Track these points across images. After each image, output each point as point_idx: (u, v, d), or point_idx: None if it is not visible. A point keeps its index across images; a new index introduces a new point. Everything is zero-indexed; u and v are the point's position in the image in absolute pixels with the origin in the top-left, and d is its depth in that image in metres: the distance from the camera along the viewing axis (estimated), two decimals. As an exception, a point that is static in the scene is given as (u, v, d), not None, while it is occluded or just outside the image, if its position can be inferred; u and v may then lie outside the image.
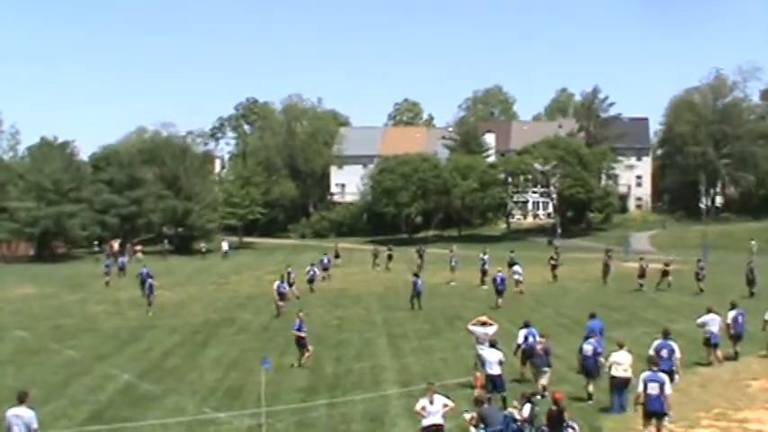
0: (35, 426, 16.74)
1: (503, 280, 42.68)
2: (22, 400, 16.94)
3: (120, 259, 68.91)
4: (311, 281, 50.98)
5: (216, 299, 49.47)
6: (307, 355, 28.89)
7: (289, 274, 47.93)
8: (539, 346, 23.61)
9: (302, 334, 28.95)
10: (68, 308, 47.21)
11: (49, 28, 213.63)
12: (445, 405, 18.06)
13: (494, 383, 22.13)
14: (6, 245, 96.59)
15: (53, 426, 21.06)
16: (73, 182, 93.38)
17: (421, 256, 62.76)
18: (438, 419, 17.84)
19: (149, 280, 44.62)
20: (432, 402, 17.89)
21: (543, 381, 23.17)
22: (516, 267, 48.59)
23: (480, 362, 23.69)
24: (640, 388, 18.66)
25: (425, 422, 17.86)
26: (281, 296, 41.16)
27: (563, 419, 17.62)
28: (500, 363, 22.35)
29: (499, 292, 42.25)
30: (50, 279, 65.01)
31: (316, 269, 52.82)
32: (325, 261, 59.44)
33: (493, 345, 23.10)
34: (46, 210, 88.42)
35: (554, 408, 17.67)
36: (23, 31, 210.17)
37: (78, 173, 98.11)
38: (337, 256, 67.06)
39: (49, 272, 73.32)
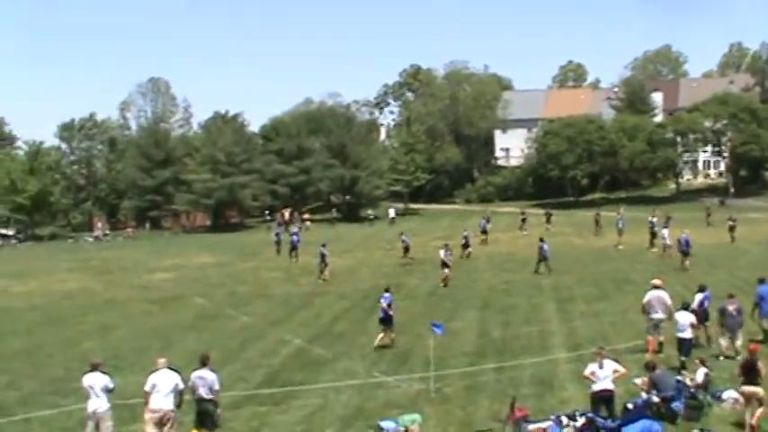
0: (217, 387, 17.57)
1: (687, 242, 41.56)
2: (204, 362, 17.79)
3: (293, 228, 70.39)
4: (466, 246, 50.78)
5: (383, 264, 50.23)
6: (392, 336, 27.10)
7: (466, 237, 50.43)
8: (731, 307, 22.89)
9: (390, 311, 27.04)
10: (242, 275, 48.98)
11: (216, 4, 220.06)
12: (615, 370, 17.78)
13: (683, 346, 21.66)
14: (185, 215, 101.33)
15: (232, 388, 21.92)
16: (244, 153, 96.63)
17: (597, 222, 61.49)
18: (608, 384, 17.59)
19: (322, 248, 45.44)
20: (601, 367, 17.65)
21: (738, 342, 22.55)
22: (664, 231, 47.38)
23: (653, 325, 23.26)
24: None
25: (595, 387, 17.65)
26: (445, 264, 40.69)
27: (757, 370, 17.20)
28: (692, 325, 21.88)
29: (684, 254, 41.22)
30: (225, 248, 67.58)
31: (470, 234, 52.63)
32: (483, 224, 59.77)
33: (685, 307, 22.59)
34: (220, 181, 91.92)
35: (749, 358, 17.48)
36: (192, 7, 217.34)
37: (249, 144, 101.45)
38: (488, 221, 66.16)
39: (224, 241, 76.21)
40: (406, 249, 50.30)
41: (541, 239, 44.25)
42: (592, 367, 17.80)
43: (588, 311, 31.66)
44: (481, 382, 22.18)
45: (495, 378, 22.53)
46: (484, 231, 58.87)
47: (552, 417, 17.91)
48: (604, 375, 17.58)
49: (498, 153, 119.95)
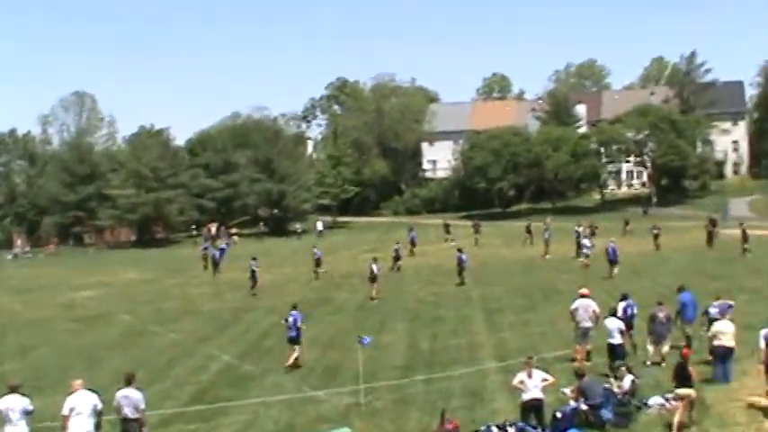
0: (143, 406, 17.21)
1: (614, 251, 42.27)
2: (129, 381, 17.41)
3: (221, 244, 69.99)
4: (397, 258, 50.82)
5: (312, 279, 49.97)
6: (300, 353, 26.10)
7: (396, 250, 50.51)
8: (660, 314, 23.22)
9: (299, 329, 26.09)
10: (169, 291, 48.35)
11: (144, 18, 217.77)
12: (544, 379, 17.94)
13: (615, 352, 21.90)
14: (109, 231, 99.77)
15: (159, 406, 21.58)
16: (170, 168, 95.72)
17: (529, 232, 61.87)
18: (538, 394, 17.73)
19: (252, 263, 45.15)
20: (530, 377, 17.79)
21: (665, 348, 22.91)
22: (585, 241, 48.21)
23: (581, 334, 23.52)
24: (762, 344, 18.94)
25: (525, 396, 17.77)
26: (374, 278, 40.28)
27: (688, 374, 17.61)
28: (620, 332, 22.16)
29: (612, 263, 41.89)
30: (151, 264, 66.68)
31: (401, 247, 52.78)
32: (413, 236, 60.27)
33: (613, 314, 22.90)
34: (145, 196, 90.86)
35: (681, 362, 17.90)
36: (118, 21, 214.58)
37: (175, 159, 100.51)
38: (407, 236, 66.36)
39: (150, 257, 75.21)
40: (318, 263, 50.10)
41: (459, 250, 44.73)
42: (521, 377, 17.92)
43: (517, 322, 31.86)
44: (411, 394, 22.15)
45: (424, 390, 22.52)
46: (413, 243, 59.27)
47: (483, 428, 17.98)
48: (533, 385, 17.70)
49: (425, 165, 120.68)
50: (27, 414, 16.83)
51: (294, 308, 26.59)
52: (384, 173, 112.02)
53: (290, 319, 26.04)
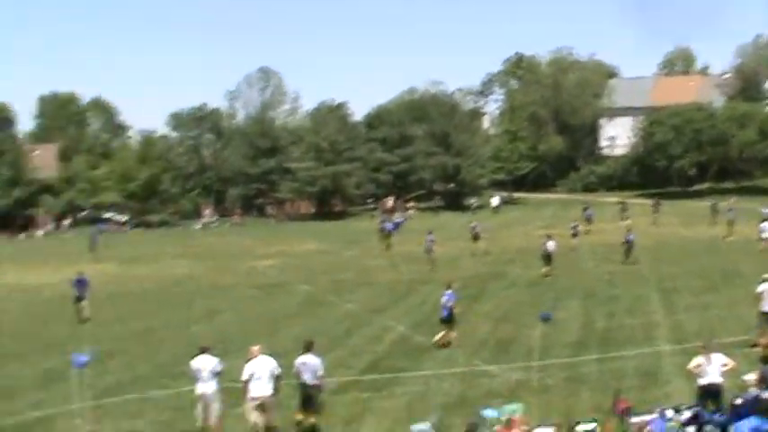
0: (321, 372, 17.97)
1: None
2: (308, 348, 18.20)
3: (397, 218, 71.46)
4: (574, 235, 50.13)
5: (486, 253, 50.12)
6: (453, 335, 25.74)
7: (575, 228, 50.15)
8: None
9: (453, 309, 25.81)
10: (346, 263, 49.59)
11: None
12: (724, 364, 17.43)
13: None
14: (290, 203, 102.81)
15: (335, 373, 22.26)
16: (348, 142, 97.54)
17: (715, 211, 59.91)
18: (716, 378, 17.25)
19: (428, 237, 45.79)
20: (709, 360, 17.37)
21: None
22: (764, 224, 45.82)
23: (766, 319, 22.74)
24: None
25: (702, 381, 17.34)
26: (549, 256, 39.83)
27: None
28: None
29: None
30: (329, 235, 68.44)
31: (578, 224, 52.14)
32: (589, 214, 59.47)
33: None
34: (324, 169, 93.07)
35: None
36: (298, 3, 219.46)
37: (353, 133, 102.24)
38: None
39: (328, 229, 77.14)
40: (476, 238, 50.26)
41: (628, 230, 44.05)
42: (698, 360, 17.51)
43: (695, 304, 31.07)
44: (584, 373, 22.06)
45: (597, 369, 22.37)
46: (588, 221, 58.61)
47: (657, 410, 17.69)
48: (712, 369, 17.27)
49: (603, 142, 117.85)
50: (216, 374, 17.88)
51: (448, 287, 26.36)
52: (560, 149, 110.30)
53: (443, 299, 25.90)
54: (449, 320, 25.72)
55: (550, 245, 39.85)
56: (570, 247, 47.97)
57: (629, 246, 42.61)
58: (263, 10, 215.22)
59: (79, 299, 33.28)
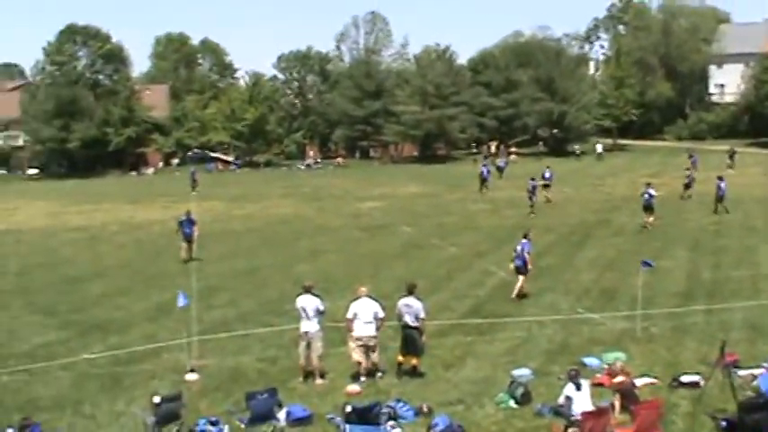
0: (423, 315, 18.13)
1: None
2: (411, 291, 18.36)
3: (499, 162, 71.18)
4: (688, 186, 48.87)
5: (591, 200, 49.59)
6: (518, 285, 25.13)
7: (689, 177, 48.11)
8: None
9: (527, 259, 25.14)
10: (449, 206, 49.60)
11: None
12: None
13: None
14: (394, 146, 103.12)
15: (437, 317, 22.42)
16: (453, 86, 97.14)
17: None
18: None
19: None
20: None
21: None
22: None
23: None
24: None
25: (812, 335, 17.00)
26: (649, 207, 38.22)
27: None
28: None
29: None
30: (433, 179, 68.46)
31: (692, 174, 50.84)
32: (695, 160, 58.10)
33: None
34: (429, 113, 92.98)
35: None
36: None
37: (458, 77, 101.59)
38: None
39: (432, 172, 77.15)
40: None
41: (719, 177, 42.72)
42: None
43: (807, 256, 30.23)
44: (689, 323, 21.73)
45: (703, 320, 22.02)
46: (694, 167, 56.91)
47: (765, 364, 17.37)
48: (823, 323, 16.86)
49: (713, 89, 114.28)
50: (320, 313, 18.19)
51: (525, 236, 25.81)
52: (668, 95, 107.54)
53: (518, 248, 25.34)
54: (522, 270, 25.14)
55: (650, 193, 38.36)
56: (680, 195, 46.99)
57: (719, 194, 41.71)
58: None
59: (188, 239, 33.63)
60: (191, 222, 33.75)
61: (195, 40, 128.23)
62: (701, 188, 51.29)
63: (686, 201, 46.60)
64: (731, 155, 65.33)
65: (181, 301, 19.76)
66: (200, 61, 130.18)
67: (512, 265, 25.46)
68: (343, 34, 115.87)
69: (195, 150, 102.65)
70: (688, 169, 50.95)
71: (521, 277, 25.13)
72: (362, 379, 17.80)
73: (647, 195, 38.20)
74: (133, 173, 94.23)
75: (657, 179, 54.73)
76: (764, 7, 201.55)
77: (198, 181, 66.25)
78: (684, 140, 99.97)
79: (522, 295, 24.98)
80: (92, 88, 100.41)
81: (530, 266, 25.16)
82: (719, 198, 41.76)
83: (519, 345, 20.45)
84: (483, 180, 55.76)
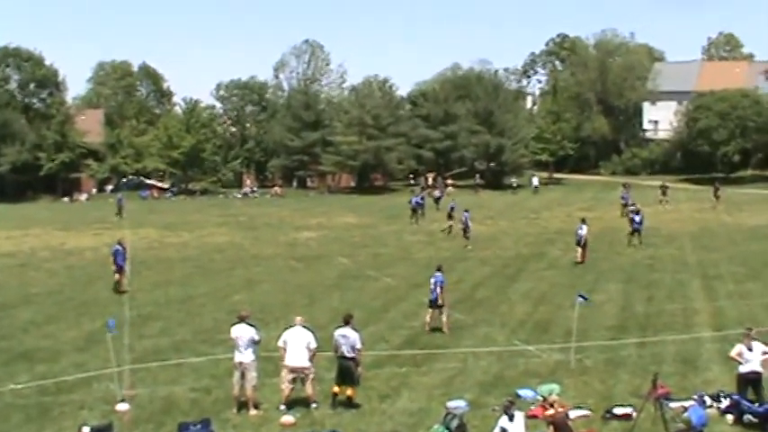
0: (359, 345, 18.07)
1: None
2: (347, 321, 18.31)
3: (436, 193, 71.70)
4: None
5: (526, 233, 49.99)
6: (443, 318, 25.05)
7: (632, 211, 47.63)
8: None
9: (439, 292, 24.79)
10: (385, 237, 49.62)
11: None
12: (765, 353, 17.30)
13: None
14: (331, 176, 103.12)
15: (373, 347, 22.32)
16: (391, 117, 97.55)
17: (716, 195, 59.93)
18: (757, 367, 17.13)
19: (465, 214, 45.54)
20: (750, 349, 17.22)
21: None
22: None
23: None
24: None
25: (742, 369, 17.23)
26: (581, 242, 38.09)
27: None
28: None
29: None
30: (369, 210, 68.51)
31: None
32: (626, 197, 58.71)
33: None
34: (367, 144, 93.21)
35: None
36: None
37: (396, 109, 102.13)
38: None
39: (369, 203, 77.24)
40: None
41: (635, 211, 44.12)
42: (739, 348, 17.38)
43: (736, 291, 30.81)
44: (622, 356, 21.96)
45: (636, 353, 22.27)
46: (625, 204, 57.57)
47: (695, 396, 17.52)
48: (753, 357, 17.14)
49: (647, 125, 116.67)
50: (254, 343, 18.02)
51: (438, 269, 25.48)
52: (604, 131, 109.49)
53: (432, 282, 25.04)
54: (435, 304, 24.91)
55: (581, 231, 38.27)
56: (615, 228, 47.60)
57: (634, 228, 42.88)
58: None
59: (118, 269, 32.51)
60: (120, 252, 32.65)
61: (136, 67, 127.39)
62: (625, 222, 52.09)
63: (617, 233, 46.98)
64: (663, 190, 66.50)
65: (110, 327, 19.45)
66: (138, 87, 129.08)
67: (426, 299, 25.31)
68: (282, 63, 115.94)
69: (130, 177, 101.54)
70: (633, 204, 51.29)
71: (437, 311, 24.88)
72: (282, 407, 17.74)
73: (579, 231, 38.46)
74: (65, 199, 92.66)
75: (591, 213, 55.63)
76: (697, 47, 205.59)
77: (124, 207, 65.72)
78: (619, 175, 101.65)
79: (435, 328, 24.78)
80: (24, 111, 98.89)
81: (441, 300, 24.75)
82: (634, 231, 42.75)
83: (454, 376, 20.45)
84: (413, 210, 56.25)
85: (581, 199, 74.77)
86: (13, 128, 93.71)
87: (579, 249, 38.19)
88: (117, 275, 32.59)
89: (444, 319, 25.01)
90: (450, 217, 49.93)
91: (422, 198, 61.71)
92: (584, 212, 55.08)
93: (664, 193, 65.94)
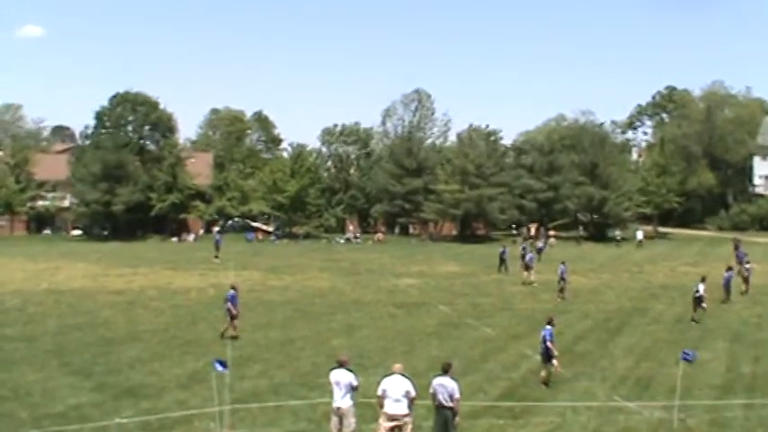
0: (457, 395, 17.98)
1: None
2: (446, 370, 18.26)
3: (538, 244, 71.21)
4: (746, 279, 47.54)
5: (629, 287, 49.17)
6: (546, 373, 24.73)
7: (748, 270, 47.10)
8: None
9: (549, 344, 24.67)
10: (486, 287, 49.39)
11: (474, 21, 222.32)
12: None
13: None
14: (433, 224, 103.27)
15: (470, 398, 22.19)
16: (495, 166, 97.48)
17: None
18: None
19: (561, 266, 45.04)
20: None
21: None
22: None
23: None
24: None
25: None
26: (701, 299, 36.96)
27: None
28: None
29: None
30: (471, 258, 68.36)
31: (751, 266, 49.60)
32: (740, 255, 56.98)
33: None
34: (469, 192, 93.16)
35: None
36: (451, 22, 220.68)
37: (500, 158, 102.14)
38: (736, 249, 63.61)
39: (470, 251, 77.05)
40: (527, 267, 50.76)
41: (729, 268, 43.19)
42: None
43: None
44: (727, 417, 21.36)
45: (743, 415, 21.63)
46: (740, 262, 55.95)
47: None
48: None
49: (757, 180, 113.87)
50: (353, 389, 18.13)
51: (549, 323, 25.23)
52: (711, 185, 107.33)
53: (541, 335, 25.02)
54: (545, 357, 24.68)
55: (701, 288, 37.20)
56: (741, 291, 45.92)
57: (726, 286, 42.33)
58: (418, 33, 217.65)
59: (233, 315, 31.88)
60: (234, 298, 32.02)
61: (247, 112, 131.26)
62: (738, 280, 50.78)
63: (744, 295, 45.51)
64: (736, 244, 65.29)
65: (218, 368, 19.83)
66: (248, 132, 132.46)
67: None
68: (390, 110, 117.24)
69: (235, 219, 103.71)
70: (748, 262, 49.72)
71: (548, 364, 24.66)
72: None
73: (699, 288, 37.25)
74: (174, 239, 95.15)
75: (697, 268, 54.42)
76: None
77: (221, 247, 67.02)
78: (725, 231, 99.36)
79: (545, 382, 24.47)
80: (138, 153, 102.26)
81: (553, 353, 24.57)
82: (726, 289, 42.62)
83: (552, 430, 20.22)
84: (527, 266, 53.62)
85: (686, 254, 73.22)
86: (128, 169, 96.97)
87: (697, 306, 36.94)
88: (232, 320, 31.86)
89: (543, 372, 24.69)
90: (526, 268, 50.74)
91: (524, 248, 61.05)
92: (690, 267, 54.11)
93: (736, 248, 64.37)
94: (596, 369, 26.85)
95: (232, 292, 32.39)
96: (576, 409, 22.05)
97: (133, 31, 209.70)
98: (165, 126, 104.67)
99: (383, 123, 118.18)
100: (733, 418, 21.29)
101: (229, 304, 31.86)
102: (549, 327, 24.93)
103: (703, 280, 38.33)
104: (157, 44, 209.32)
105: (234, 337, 31.64)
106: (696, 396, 23.15)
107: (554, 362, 24.71)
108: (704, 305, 37.01)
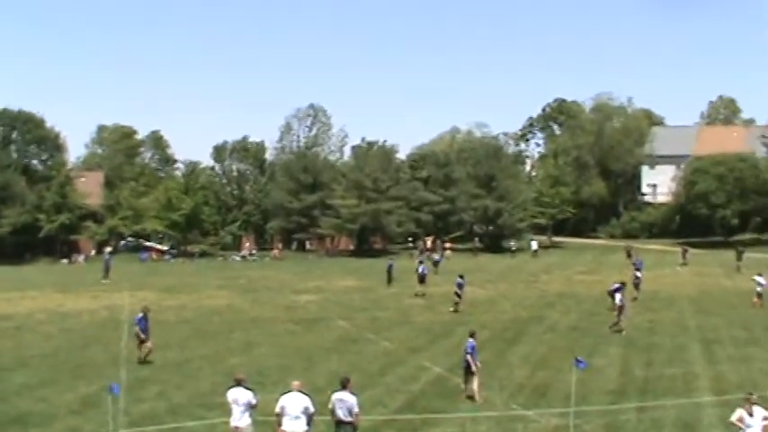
0: (356, 410, 17.90)
1: None
2: (344, 385, 18.17)
3: (435, 257, 71.67)
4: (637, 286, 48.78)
5: (525, 297, 49.89)
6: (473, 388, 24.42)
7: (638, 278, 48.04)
8: None
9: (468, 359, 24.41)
10: (384, 301, 49.48)
11: (368, 39, 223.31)
12: (766, 418, 17.18)
13: None
14: (330, 239, 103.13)
15: (370, 412, 22.15)
16: (390, 180, 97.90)
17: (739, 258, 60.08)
18: None
19: (459, 279, 45.30)
20: (751, 414, 17.09)
21: None
22: (758, 278, 45.15)
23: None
24: None
25: (743, 434, 17.12)
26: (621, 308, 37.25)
27: None
28: None
29: None
30: (368, 273, 68.36)
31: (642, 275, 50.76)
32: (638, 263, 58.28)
33: None
34: (365, 207, 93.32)
35: None
36: (343, 36, 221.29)
37: (396, 172, 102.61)
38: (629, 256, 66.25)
39: (367, 266, 77.05)
40: (422, 279, 51.48)
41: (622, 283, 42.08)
42: (740, 413, 17.24)
43: (737, 355, 30.72)
44: (622, 420, 21.82)
45: (636, 418, 22.12)
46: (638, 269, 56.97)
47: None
48: (754, 422, 17.00)
49: (645, 189, 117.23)
50: (251, 407, 17.89)
51: (471, 336, 25.12)
52: (602, 194, 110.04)
53: (465, 345, 24.88)
54: (469, 370, 24.51)
55: (618, 298, 37.41)
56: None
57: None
58: (311, 48, 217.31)
59: (141, 340, 30.58)
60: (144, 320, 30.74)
61: (141, 131, 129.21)
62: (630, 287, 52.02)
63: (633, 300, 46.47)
64: (683, 252, 67.50)
65: (113, 390, 19.35)
66: (141, 150, 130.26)
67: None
68: (287, 126, 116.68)
69: (128, 239, 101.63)
70: (638, 270, 50.86)
71: (470, 377, 24.38)
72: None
73: (616, 297, 37.72)
74: (64, 260, 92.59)
75: (591, 276, 55.60)
76: (694, 111, 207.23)
77: (111, 268, 65.39)
78: (617, 239, 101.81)
79: (470, 396, 24.31)
80: (24, 173, 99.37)
81: (473, 366, 24.31)
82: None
83: (453, 441, 20.27)
84: (422, 278, 54.16)
85: (580, 262, 74.77)
86: (13, 189, 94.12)
87: (623, 317, 37.09)
88: (144, 344, 30.64)
89: (475, 386, 24.31)
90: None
91: (420, 261, 61.34)
92: (584, 276, 55.24)
93: (683, 256, 68.23)
94: (494, 379, 27.06)
95: (140, 315, 31.10)
96: (475, 419, 22.19)
97: (13, 46, 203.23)
98: (52, 144, 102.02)
99: (281, 139, 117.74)
100: (627, 421, 21.74)
101: (137, 327, 30.80)
102: (471, 340, 24.83)
103: (621, 287, 38.64)
104: (42, 59, 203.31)
105: (144, 361, 30.49)
106: (591, 401, 23.58)
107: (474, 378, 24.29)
108: (624, 314, 37.27)
